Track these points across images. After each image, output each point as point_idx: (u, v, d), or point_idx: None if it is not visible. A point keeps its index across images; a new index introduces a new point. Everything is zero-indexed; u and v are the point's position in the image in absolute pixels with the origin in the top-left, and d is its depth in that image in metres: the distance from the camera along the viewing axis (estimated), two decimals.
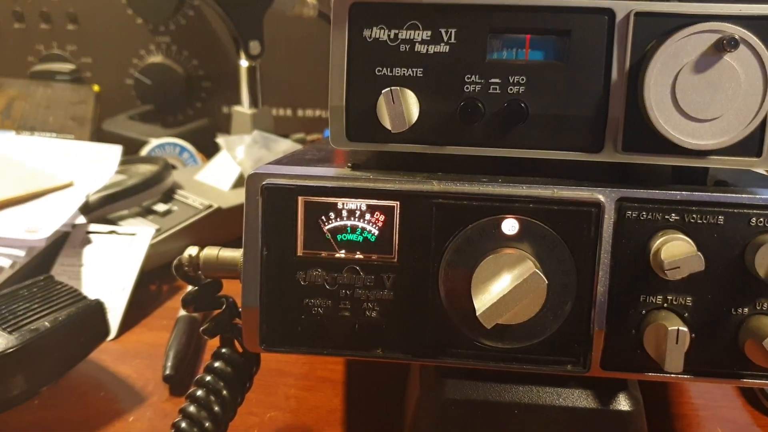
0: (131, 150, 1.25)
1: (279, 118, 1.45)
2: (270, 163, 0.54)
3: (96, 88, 1.34)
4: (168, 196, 1.02)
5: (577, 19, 0.48)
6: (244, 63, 1.20)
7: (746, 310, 0.48)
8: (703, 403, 0.66)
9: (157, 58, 1.43)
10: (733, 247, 0.48)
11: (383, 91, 0.49)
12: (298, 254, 0.50)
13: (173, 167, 1.20)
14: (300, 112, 1.48)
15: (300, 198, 0.50)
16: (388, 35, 0.50)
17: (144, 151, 1.26)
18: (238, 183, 1.06)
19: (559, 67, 0.49)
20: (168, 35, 1.43)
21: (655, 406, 0.64)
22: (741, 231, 0.48)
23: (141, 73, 1.41)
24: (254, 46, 1.18)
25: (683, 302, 0.48)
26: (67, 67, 1.44)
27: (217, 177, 1.09)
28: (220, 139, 1.13)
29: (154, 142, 1.27)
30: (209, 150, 1.23)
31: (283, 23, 1.25)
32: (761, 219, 0.47)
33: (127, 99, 1.45)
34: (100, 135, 1.32)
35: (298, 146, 1.20)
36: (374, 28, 0.50)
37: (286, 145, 1.15)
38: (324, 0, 1.36)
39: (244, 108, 1.24)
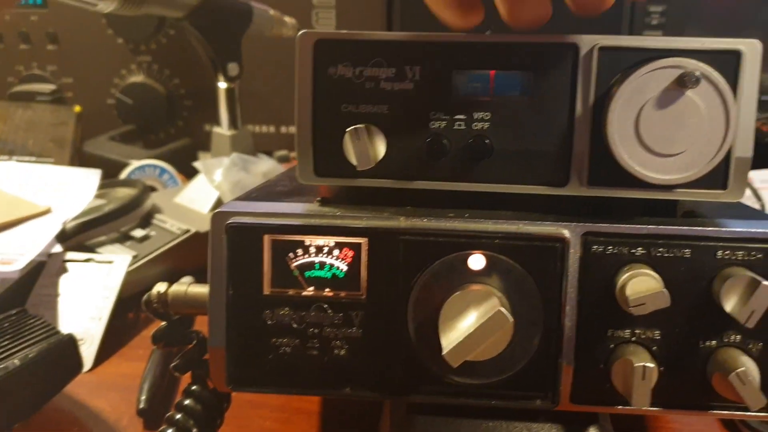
0: (113, 171, 1.25)
1: (262, 135, 1.46)
2: (237, 199, 0.54)
3: (77, 108, 1.34)
4: (146, 221, 1.01)
5: (541, 54, 0.48)
6: (222, 85, 1.20)
7: (714, 342, 0.48)
8: (679, 427, 0.66)
9: (138, 78, 1.43)
10: (700, 280, 0.48)
11: (348, 130, 0.49)
12: (265, 293, 0.50)
13: (153, 189, 1.20)
14: (283, 129, 1.48)
15: (266, 236, 0.50)
16: (353, 72, 0.50)
17: (124, 174, 1.26)
18: (217, 205, 1.06)
19: (523, 103, 0.49)
20: (149, 54, 1.43)
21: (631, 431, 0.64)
22: (708, 264, 0.48)
23: (122, 93, 1.41)
24: (232, 68, 1.17)
25: (651, 336, 0.48)
26: (48, 87, 1.43)
27: (196, 199, 1.09)
28: (198, 163, 1.13)
29: (134, 164, 1.27)
30: (191, 169, 1.22)
31: (264, 41, 1.24)
32: (727, 252, 0.47)
33: (108, 119, 1.45)
34: (81, 157, 1.32)
35: (279, 167, 1.20)
36: (339, 66, 0.50)
37: (265, 166, 1.15)
38: (303, 20, 1.36)
39: (223, 129, 1.24)
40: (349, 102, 0.50)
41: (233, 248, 0.50)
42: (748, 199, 1.10)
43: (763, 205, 1.08)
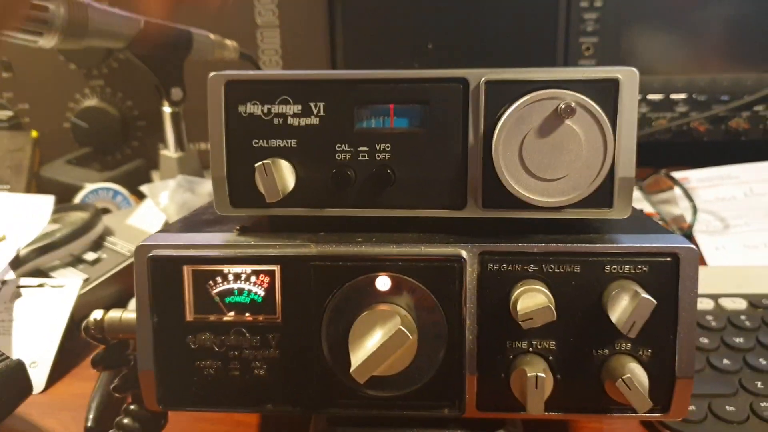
0: (69, 194, 1.28)
1: None
2: (160, 231, 0.57)
3: (34, 134, 1.36)
4: (98, 244, 1.04)
5: (434, 88, 0.52)
6: (167, 109, 1.22)
7: (607, 351, 0.52)
8: (599, 426, 0.68)
9: (92, 102, 1.45)
10: (590, 294, 0.51)
11: (256, 166, 0.52)
12: (188, 319, 0.53)
13: (107, 211, 1.22)
14: (210, 159, 1.50)
15: (186, 267, 0.53)
16: (262, 110, 0.53)
17: (78, 197, 1.28)
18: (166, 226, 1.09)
19: (421, 134, 0.52)
20: (101, 79, 1.45)
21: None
22: (597, 278, 0.51)
23: (77, 117, 1.43)
24: (176, 93, 1.20)
25: (548, 346, 0.52)
26: (5, 114, 1.45)
27: (146, 221, 1.11)
28: (144, 187, 1.16)
29: (88, 188, 1.29)
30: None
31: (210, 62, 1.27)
32: (614, 266, 0.51)
33: (66, 142, 1.46)
34: (38, 181, 1.34)
35: None
36: (248, 104, 0.53)
37: (211, 187, 1.18)
38: (248, 40, 1.39)
39: (170, 152, 1.27)
40: (259, 137, 0.53)
41: (155, 279, 0.53)
42: (682, 198, 1.14)
43: (694, 206, 1.12)
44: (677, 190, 1.18)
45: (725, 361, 0.73)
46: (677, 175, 1.20)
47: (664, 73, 1.34)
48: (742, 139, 1.33)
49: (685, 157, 1.30)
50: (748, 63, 1.34)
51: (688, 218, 1.11)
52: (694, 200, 1.13)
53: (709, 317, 0.80)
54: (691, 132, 1.32)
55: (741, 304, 0.84)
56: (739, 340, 0.77)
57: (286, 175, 0.53)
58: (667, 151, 1.32)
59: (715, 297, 0.85)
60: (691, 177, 1.21)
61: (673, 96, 1.33)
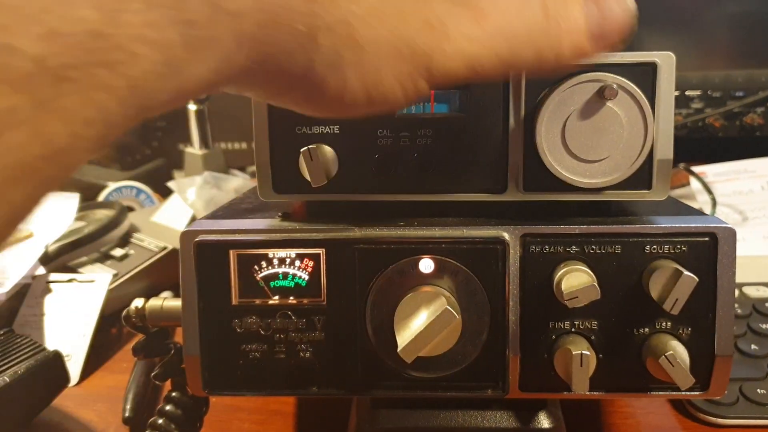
0: (92, 193, 1.29)
1: (234, 152, 1.49)
2: (204, 218, 0.58)
3: None
4: (125, 240, 1.05)
5: None
6: (191, 106, 1.24)
7: (647, 329, 0.52)
8: (632, 411, 0.69)
9: None
10: (631, 273, 0.52)
11: (302, 150, 0.52)
12: (233, 303, 0.54)
13: (131, 209, 1.23)
14: (254, 145, 1.51)
15: (232, 251, 0.53)
16: None
17: (102, 196, 1.29)
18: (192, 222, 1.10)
19: (461, 119, 0.53)
20: None
21: (585, 417, 0.68)
22: (637, 258, 0.52)
23: None
24: None
25: (589, 326, 0.53)
26: None
27: (172, 217, 1.12)
28: (172, 183, 1.17)
29: (111, 186, 1.30)
30: (167, 188, 1.26)
31: None
32: (654, 246, 0.52)
33: None
34: None
35: (250, 183, 1.24)
36: None
37: (237, 183, 1.19)
38: None
39: (194, 149, 1.28)
40: (302, 124, 0.54)
41: (202, 264, 0.54)
42: (699, 192, 1.15)
43: (713, 198, 1.12)
44: (694, 185, 1.19)
45: (753, 347, 0.74)
46: (694, 170, 1.21)
47: (678, 69, 1.32)
48: (757, 135, 1.33)
49: (700, 153, 1.30)
50: (762, 59, 1.34)
51: (707, 212, 1.12)
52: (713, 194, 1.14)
53: (735, 304, 0.81)
54: (707, 128, 1.33)
55: (765, 292, 0.84)
56: (765, 326, 0.78)
57: (330, 160, 0.53)
58: (682, 147, 1.32)
59: (739, 285, 0.86)
60: (708, 172, 1.22)
61: (688, 92, 1.34)
